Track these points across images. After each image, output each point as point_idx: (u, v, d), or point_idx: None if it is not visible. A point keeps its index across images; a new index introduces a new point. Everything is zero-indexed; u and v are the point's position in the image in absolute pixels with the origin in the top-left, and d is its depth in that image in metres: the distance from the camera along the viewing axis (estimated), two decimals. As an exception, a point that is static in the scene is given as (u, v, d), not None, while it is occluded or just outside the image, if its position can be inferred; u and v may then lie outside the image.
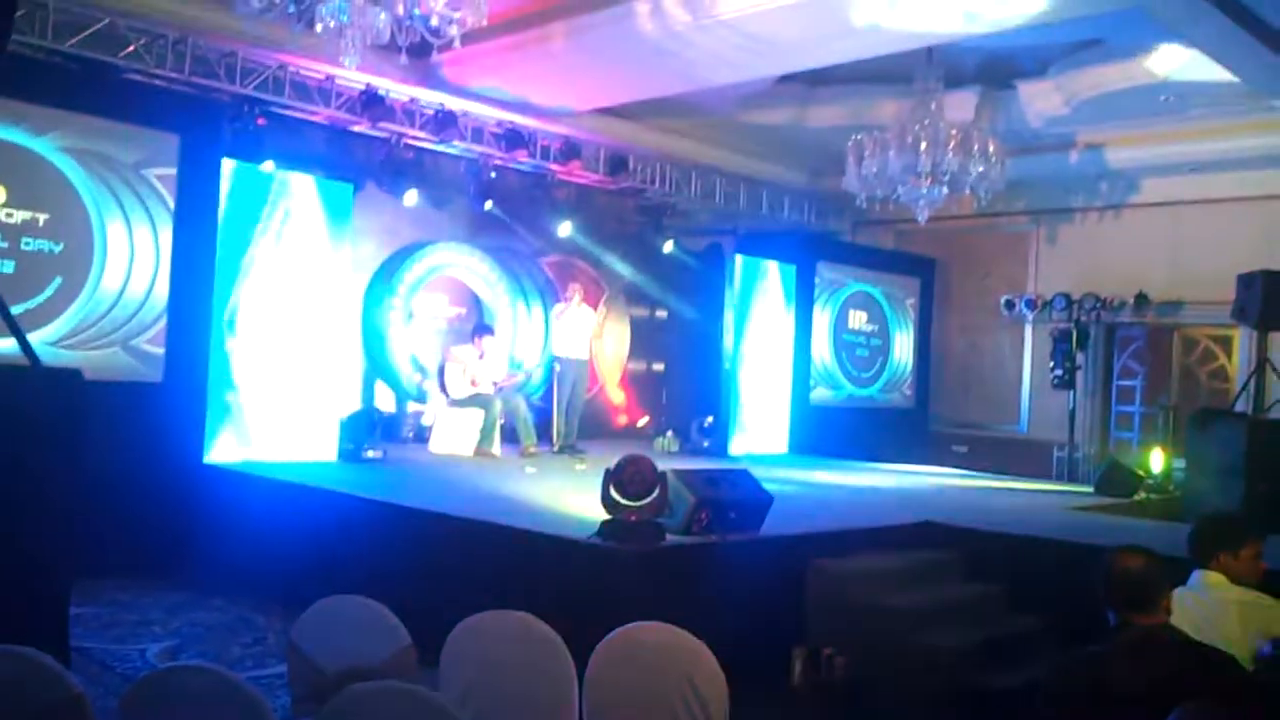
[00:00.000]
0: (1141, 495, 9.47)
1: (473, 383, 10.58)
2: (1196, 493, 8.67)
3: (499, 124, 10.80)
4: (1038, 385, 13.51)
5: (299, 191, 8.92)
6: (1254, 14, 7.67)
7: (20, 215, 7.56)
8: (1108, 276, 12.68)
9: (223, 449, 8.32)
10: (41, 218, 7.65)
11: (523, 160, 11.10)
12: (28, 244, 7.60)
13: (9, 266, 7.48)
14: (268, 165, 8.87)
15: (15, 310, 5.58)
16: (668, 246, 13.32)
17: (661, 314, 14.75)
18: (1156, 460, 10.43)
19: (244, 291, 8.54)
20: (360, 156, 10.53)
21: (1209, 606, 3.74)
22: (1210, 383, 12.55)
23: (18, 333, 5.03)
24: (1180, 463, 9.70)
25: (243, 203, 8.57)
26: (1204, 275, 11.62)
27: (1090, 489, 10.01)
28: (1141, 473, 9.91)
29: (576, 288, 11.46)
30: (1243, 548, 3.97)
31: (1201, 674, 2.92)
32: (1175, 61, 9.36)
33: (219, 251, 8.39)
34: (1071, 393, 12.82)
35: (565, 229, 12.51)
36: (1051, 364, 12.84)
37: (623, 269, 13.95)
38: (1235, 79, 9.11)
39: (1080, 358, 12.84)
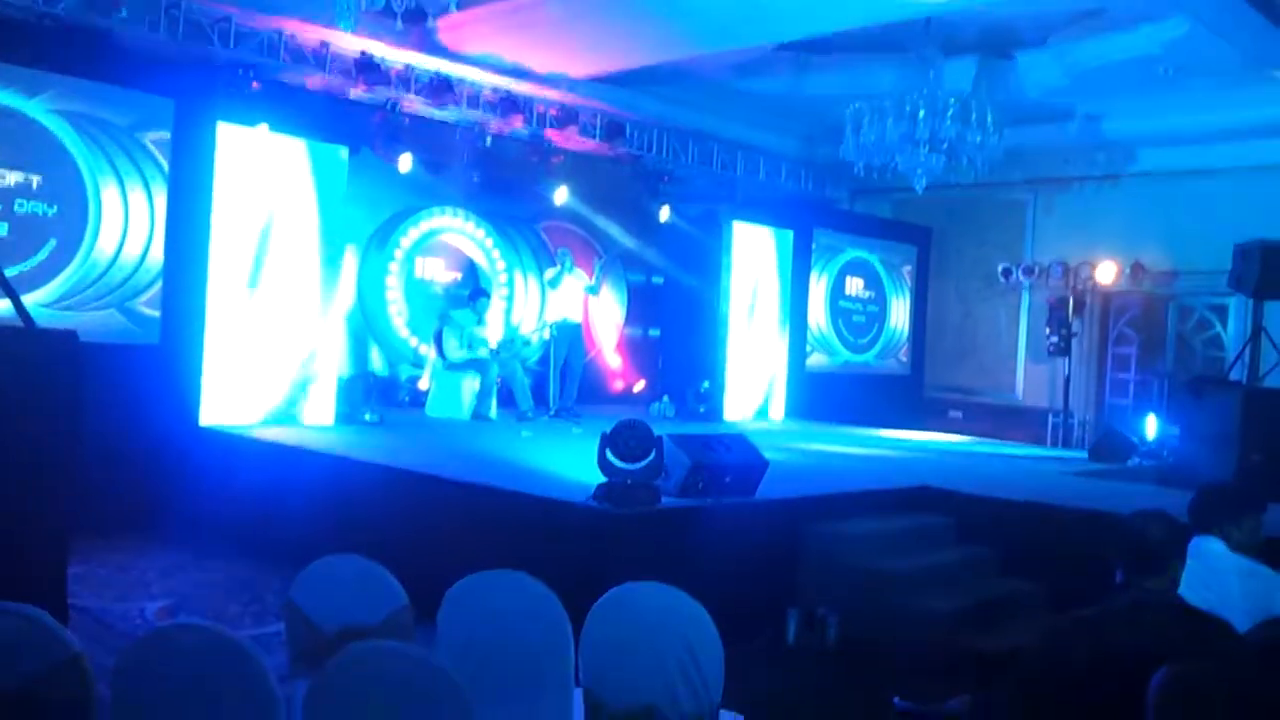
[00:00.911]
0: (1135, 462, 9.51)
1: (470, 347, 10.58)
2: (1190, 460, 8.70)
3: (495, 90, 10.73)
4: (1033, 352, 13.54)
5: (294, 156, 8.88)
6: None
7: (13, 177, 7.54)
8: (1104, 245, 12.68)
9: (219, 411, 8.33)
10: (35, 180, 7.63)
11: (519, 126, 11.04)
12: (21, 206, 7.58)
13: (3, 229, 7.47)
14: (263, 129, 8.82)
15: (10, 272, 5.59)
16: (665, 214, 13.29)
17: (658, 280, 14.73)
18: (1151, 427, 10.47)
19: (240, 255, 8.51)
20: (355, 122, 10.45)
21: (1209, 574, 3.74)
22: (1206, 351, 12.58)
23: (12, 295, 5.03)
24: (1174, 430, 9.74)
25: (238, 167, 8.52)
26: (1200, 245, 11.62)
27: (1084, 455, 10.06)
28: (1135, 440, 9.95)
29: (566, 252, 11.49)
30: (1245, 517, 3.99)
31: (1200, 641, 2.94)
32: (1174, 32, 9.31)
33: (214, 215, 8.36)
34: (1067, 360, 12.85)
35: (562, 195, 12.47)
36: (1047, 331, 12.87)
37: (619, 235, 13.92)
38: (1233, 50, 9.07)
39: (1076, 325, 12.87)
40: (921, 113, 9.38)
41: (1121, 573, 3.15)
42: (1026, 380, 13.67)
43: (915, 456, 9.48)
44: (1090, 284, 12.81)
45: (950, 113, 9.37)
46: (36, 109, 7.62)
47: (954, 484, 7.32)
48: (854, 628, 5.45)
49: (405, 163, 10.81)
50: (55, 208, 7.72)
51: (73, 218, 7.79)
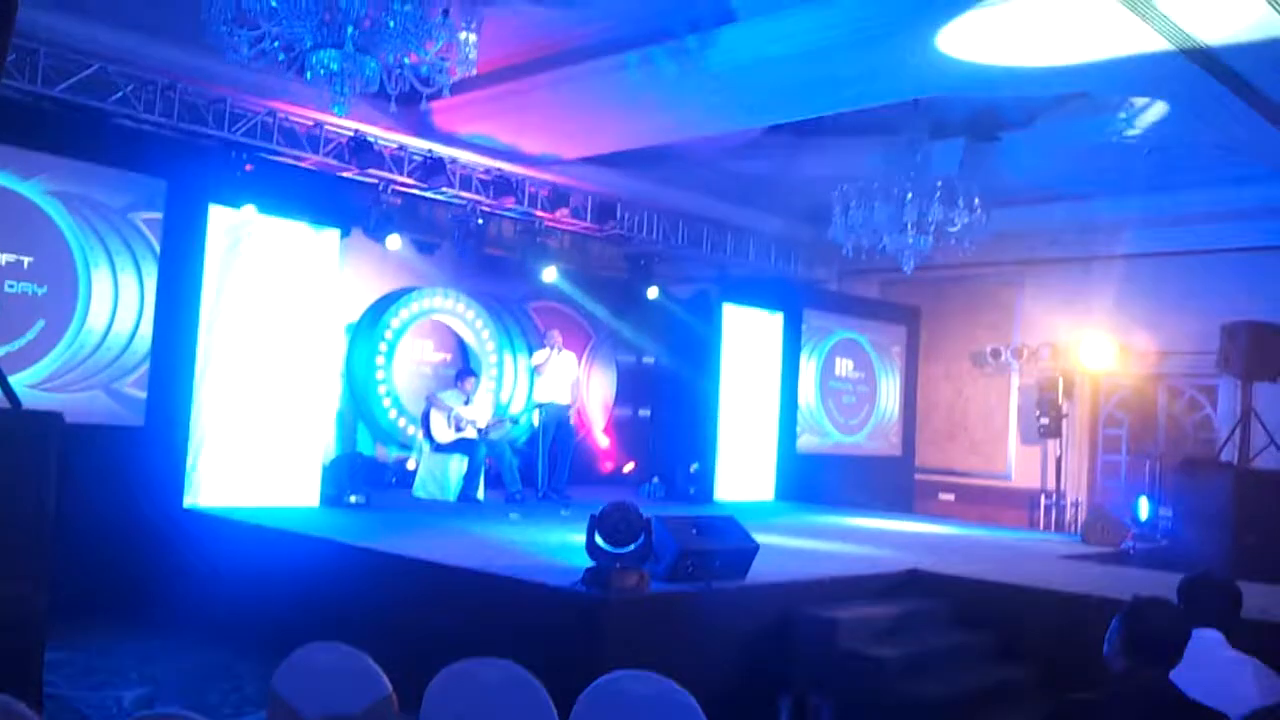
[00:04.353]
0: (1129, 544, 9.45)
1: (457, 428, 10.53)
2: (1183, 542, 8.66)
3: (487, 171, 10.84)
4: (1024, 433, 13.54)
5: (286, 237, 8.92)
6: (1235, 72, 7.78)
7: (4, 257, 7.56)
8: (1092, 326, 12.75)
9: (204, 493, 8.24)
10: (26, 260, 7.64)
11: (510, 207, 11.14)
12: (12, 286, 7.58)
13: (-8, 309, 7.46)
14: (255, 211, 8.87)
15: (-3, 352, 5.56)
16: (652, 293, 13.35)
17: (648, 360, 14.74)
18: (1143, 509, 10.43)
19: (228, 336, 8.50)
20: (348, 202, 10.53)
21: (1204, 666, 3.67)
22: (1196, 432, 12.58)
23: (-1, 375, 5.00)
24: (1167, 512, 9.70)
25: (230, 248, 8.55)
26: (1188, 325, 11.70)
27: (1077, 537, 9.99)
28: (1128, 522, 9.90)
29: (556, 334, 11.44)
30: (1238, 608, 3.96)
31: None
32: (1158, 116, 9.47)
33: (204, 296, 8.36)
34: (1058, 441, 12.84)
35: (552, 275, 12.54)
36: (1037, 413, 12.88)
37: (610, 315, 13.97)
38: (1213, 133, 9.22)
39: (1066, 406, 12.88)
40: (909, 195, 9.49)
41: (1120, 663, 3.10)
42: (1018, 461, 13.64)
43: (907, 539, 9.39)
44: (1079, 365, 12.84)
45: (937, 195, 9.48)
46: (32, 190, 7.65)
47: (947, 568, 7.25)
48: (848, 715, 5.34)
49: (395, 243, 10.87)
50: (45, 288, 7.72)
51: (62, 298, 7.79)
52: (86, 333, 7.88)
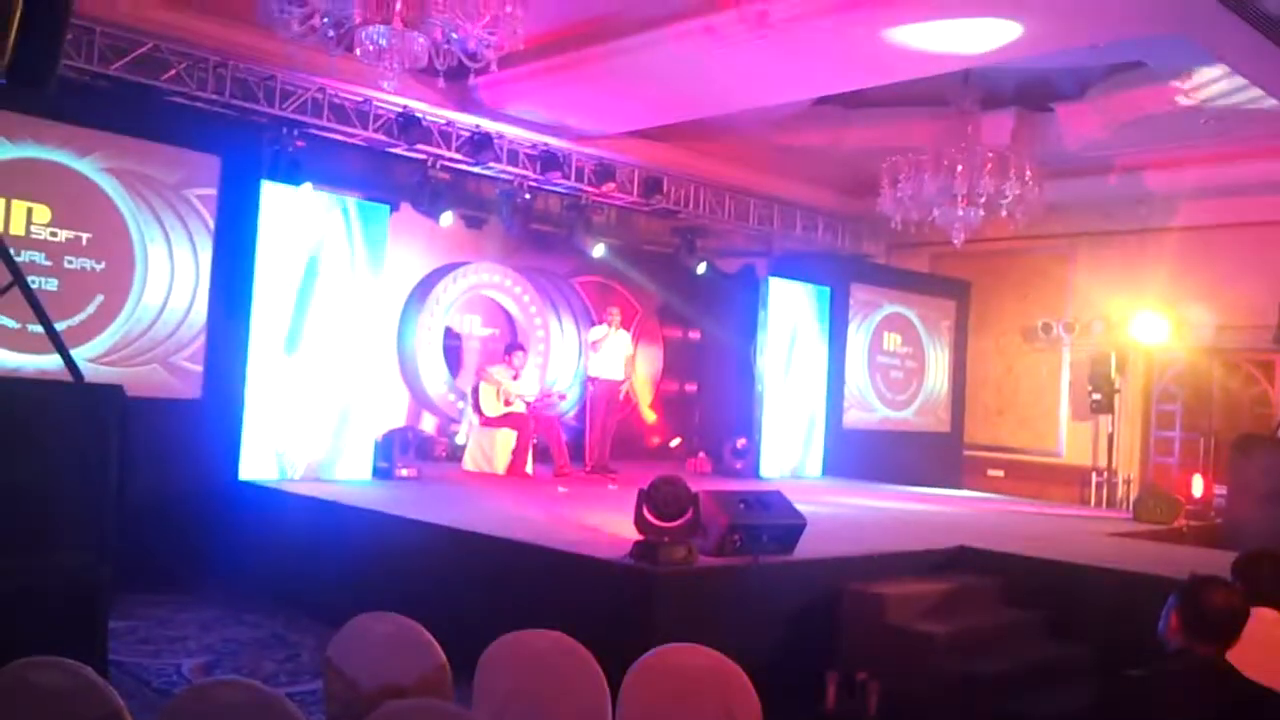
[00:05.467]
0: (1182, 522, 9.34)
1: (506, 402, 10.60)
2: (1238, 520, 8.54)
3: (534, 146, 10.85)
4: (1076, 409, 13.37)
5: (336, 212, 8.99)
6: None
7: (64, 234, 7.69)
8: (1147, 300, 12.55)
9: (258, 466, 8.38)
10: (85, 237, 7.77)
11: (557, 182, 11.16)
12: (71, 262, 7.72)
13: (52, 284, 7.60)
14: (306, 186, 8.96)
15: (58, 327, 5.66)
16: (700, 268, 13.34)
17: (695, 335, 14.74)
18: (1197, 486, 10.28)
19: (281, 311, 8.61)
20: (397, 178, 10.62)
21: (1261, 644, 3.62)
22: (1253, 408, 12.35)
23: (61, 348, 5.09)
24: (1222, 489, 9.56)
25: (281, 223, 8.65)
26: (1245, 299, 11.48)
27: (1129, 515, 9.89)
28: (1181, 499, 9.77)
29: (616, 311, 11.46)
30: None
31: (1249, 709, 2.87)
32: (1214, 85, 9.28)
33: (257, 271, 8.48)
34: (1110, 417, 12.68)
35: (599, 250, 12.55)
36: (1090, 388, 12.72)
37: (656, 290, 13.97)
38: (1274, 101, 9.02)
39: (1119, 382, 12.71)
40: (960, 166, 9.38)
41: (1176, 642, 3.08)
42: (1069, 438, 13.48)
43: (956, 515, 9.35)
44: (1132, 340, 12.65)
45: (988, 166, 9.36)
46: (89, 167, 7.78)
47: (996, 544, 7.20)
48: (896, 692, 5.34)
49: (446, 219, 10.93)
50: (103, 264, 7.85)
51: (120, 273, 7.93)
52: (144, 308, 8.02)
